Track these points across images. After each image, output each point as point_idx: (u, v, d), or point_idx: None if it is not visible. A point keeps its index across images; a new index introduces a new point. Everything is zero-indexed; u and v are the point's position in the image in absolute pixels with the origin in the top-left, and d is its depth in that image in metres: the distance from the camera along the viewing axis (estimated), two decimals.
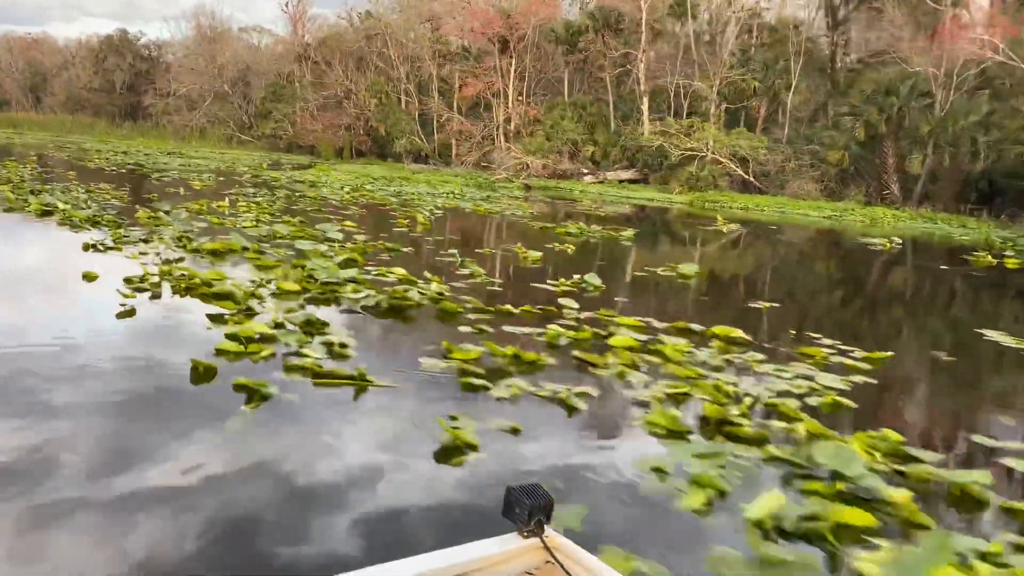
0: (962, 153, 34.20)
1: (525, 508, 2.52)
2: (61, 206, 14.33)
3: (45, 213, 14.19)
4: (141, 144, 61.92)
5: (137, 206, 16.98)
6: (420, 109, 64.10)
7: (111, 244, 11.15)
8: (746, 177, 40.10)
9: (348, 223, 16.07)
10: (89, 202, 16.02)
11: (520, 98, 55.98)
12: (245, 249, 11.49)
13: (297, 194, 22.91)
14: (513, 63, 54.91)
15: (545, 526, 2.54)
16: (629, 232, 18.27)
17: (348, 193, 25.63)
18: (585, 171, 46.81)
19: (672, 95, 47.78)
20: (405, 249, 13.07)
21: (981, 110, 34.80)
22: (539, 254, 13.15)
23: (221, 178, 28.73)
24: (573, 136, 49.91)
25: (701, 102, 45.87)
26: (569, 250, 14.87)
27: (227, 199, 18.53)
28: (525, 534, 2.51)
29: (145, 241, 11.76)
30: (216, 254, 11.18)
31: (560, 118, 51.62)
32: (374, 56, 68.34)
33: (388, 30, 65.75)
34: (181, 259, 10.50)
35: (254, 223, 15.01)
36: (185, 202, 17.99)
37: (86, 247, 10.86)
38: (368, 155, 66.27)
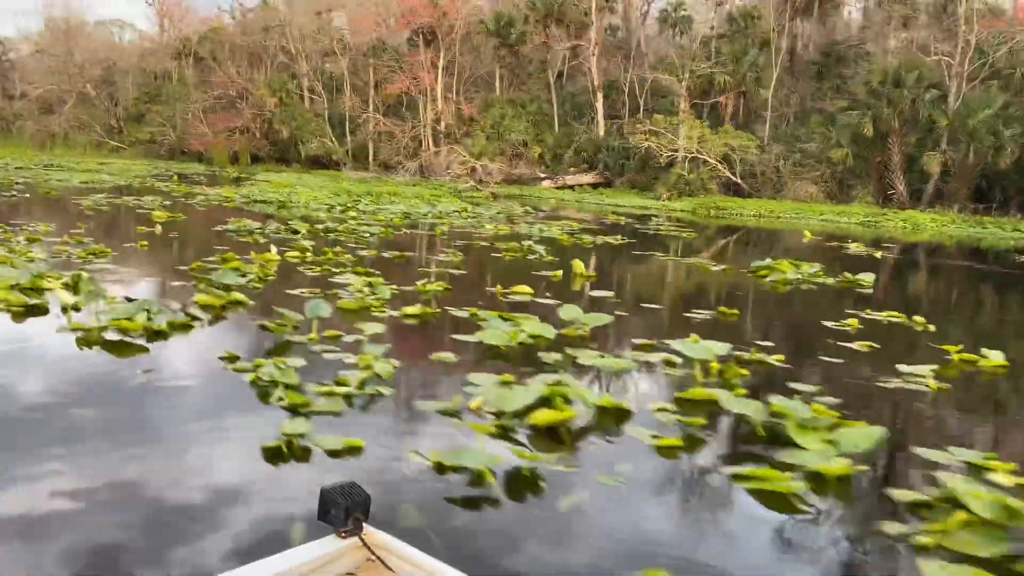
0: (984, 149, 30.59)
1: (341, 508, 2.38)
2: (63, 295, 7.09)
3: (31, 310, 7.04)
4: (6, 155, 51.08)
5: (156, 275, 9.87)
6: (329, 109, 56.13)
7: (325, 442, 4.30)
8: (733, 179, 35.35)
9: (520, 291, 9.54)
10: (83, 273, 8.71)
11: (449, 95, 49.34)
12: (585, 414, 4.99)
13: (324, 229, 15.75)
14: (442, 57, 48.17)
15: (364, 524, 2.41)
16: (867, 277, 12.48)
17: (361, 220, 18.72)
18: (543, 175, 40.80)
19: (627, 91, 42.57)
20: (774, 360, 6.84)
21: (996, 102, 31.35)
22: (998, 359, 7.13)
23: (166, 202, 20.88)
24: (520, 137, 43.87)
25: (664, 99, 40.88)
26: (919, 326, 8.96)
27: (273, 249, 11.47)
28: (343, 534, 2.38)
29: (356, 403, 5.04)
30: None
31: (500, 117, 45.43)
32: (272, 51, 59.69)
33: (287, 21, 57.26)
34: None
35: (405, 307, 8.32)
36: (191, 249, 10.99)
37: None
38: (267, 161, 57.70)
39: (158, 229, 14.18)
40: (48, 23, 76.71)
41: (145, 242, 12.25)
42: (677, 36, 46.81)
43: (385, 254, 12.67)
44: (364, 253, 12.51)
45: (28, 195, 20.80)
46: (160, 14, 75.22)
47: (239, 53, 60.95)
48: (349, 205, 22.13)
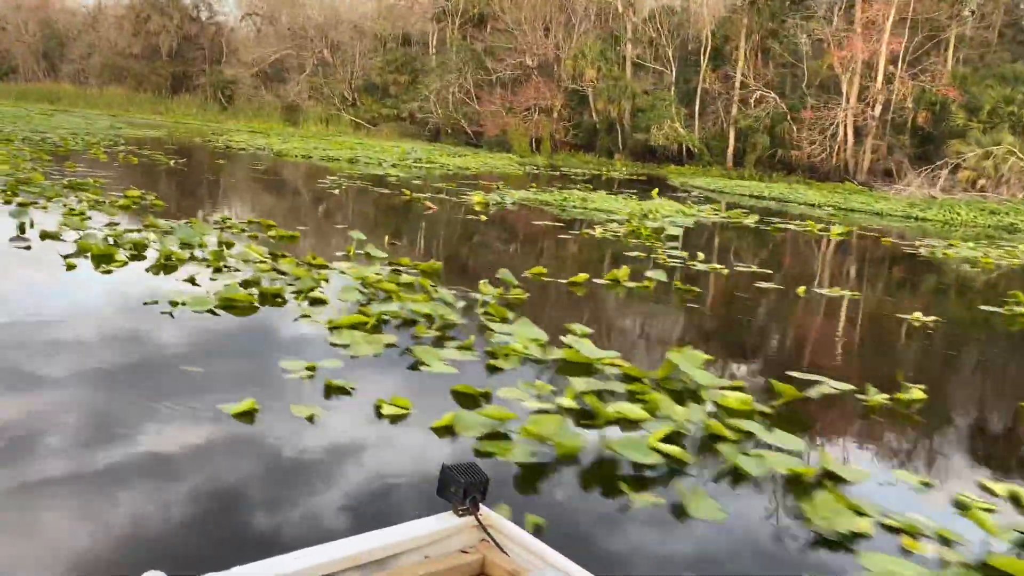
0: None
1: (460, 487, 2.32)
2: None
3: None
4: (257, 128, 38.72)
5: None
6: (655, 83, 41.30)
7: None
8: None
9: None
10: None
11: (892, 68, 33.76)
12: None
13: None
14: (893, 9, 32.52)
15: (480, 504, 2.36)
16: None
17: None
18: None
19: None
20: None
21: None
22: None
23: None
24: None
25: None
26: None
27: None
28: (460, 512, 2.33)
29: None
30: None
31: (1003, 100, 29.72)
32: (585, 8, 45.16)
33: None
34: None
35: None
36: None
37: None
38: (563, 149, 43.54)
39: None
40: None
41: None
42: None
43: None
44: None
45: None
46: None
47: (533, 11, 46.65)
48: None
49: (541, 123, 43.37)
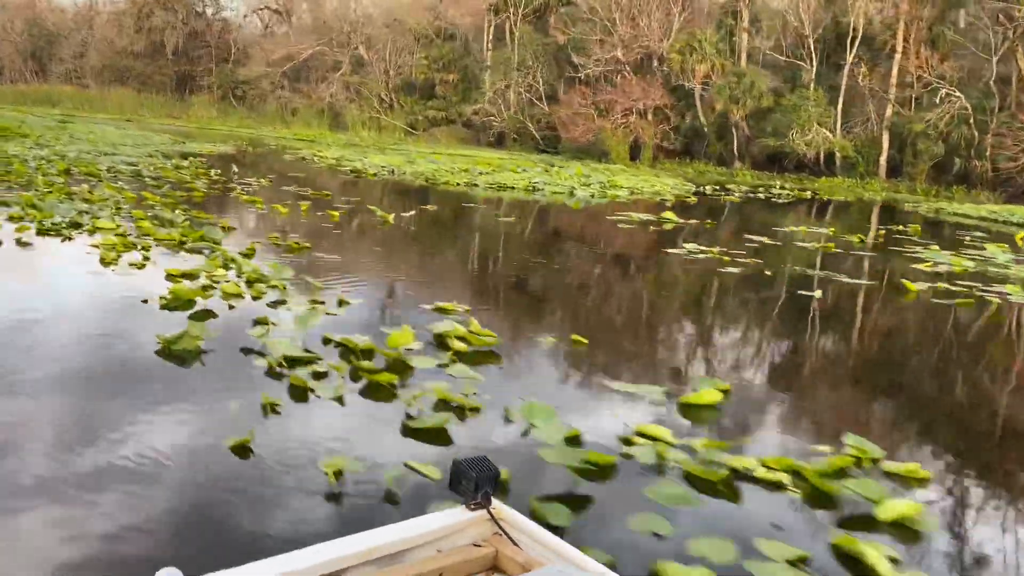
0: None
1: (472, 481, 2.27)
2: None
3: None
4: (302, 135, 31.69)
5: None
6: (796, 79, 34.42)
7: None
8: None
9: None
10: None
11: None
12: None
13: None
14: None
15: (492, 498, 2.30)
16: None
17: None
18: None
19: None
20: None
21: None
22: None
23: None
24: None
25: None
26: None
27: None
28: (472, 506, 2.28)
29: None
30: None
31: None
32: None
33: None
34: None
35: None
36: None
37: None
38: (658, 157, 36.68)
39: None
40: None
41: None
42: None
43: None
44: None
45: None
46: None
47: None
48: None
49: (640, 127, 36.50)
